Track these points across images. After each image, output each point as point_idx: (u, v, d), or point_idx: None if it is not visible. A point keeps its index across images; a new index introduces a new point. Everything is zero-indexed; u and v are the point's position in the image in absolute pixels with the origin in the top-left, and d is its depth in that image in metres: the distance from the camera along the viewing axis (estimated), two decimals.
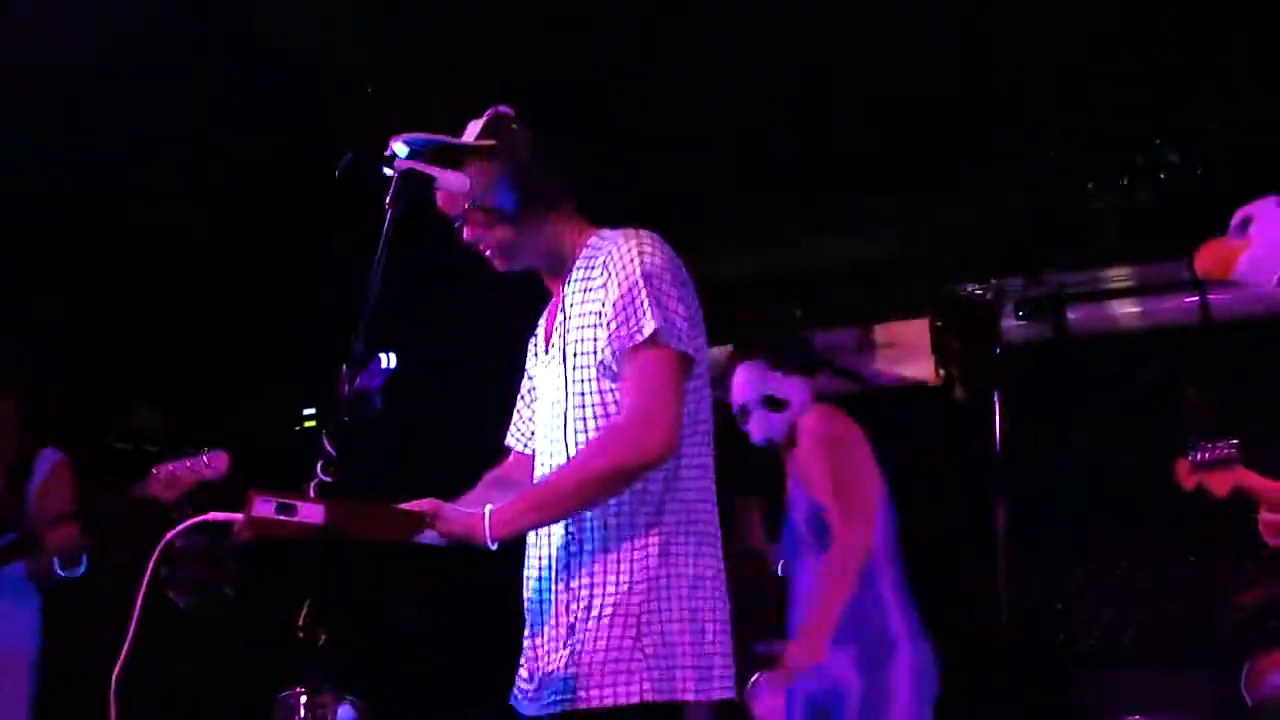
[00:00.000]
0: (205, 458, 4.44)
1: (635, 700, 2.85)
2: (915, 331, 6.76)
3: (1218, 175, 5.78)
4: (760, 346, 4.69)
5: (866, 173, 6.09)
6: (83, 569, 4.84)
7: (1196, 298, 6.04)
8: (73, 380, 6.33)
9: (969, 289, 6.69)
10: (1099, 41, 5.15)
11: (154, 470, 4.49)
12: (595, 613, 2.91)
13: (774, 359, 4.63)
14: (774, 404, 4.62)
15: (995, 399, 6.48)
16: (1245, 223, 4.04)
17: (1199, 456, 4.29)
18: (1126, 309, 6.46)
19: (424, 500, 2.89)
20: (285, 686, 4.21)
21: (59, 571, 4.84)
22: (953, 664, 4.55)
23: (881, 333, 6.92)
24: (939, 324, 6.71)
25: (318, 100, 4.95)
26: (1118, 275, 6.51)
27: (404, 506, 2.88)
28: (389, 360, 2.94)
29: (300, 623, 2.90)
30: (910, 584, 4.54)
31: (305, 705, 3.32)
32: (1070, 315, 6.49)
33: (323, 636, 2.89)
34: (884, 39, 5.08)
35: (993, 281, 6.64)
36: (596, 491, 2.89)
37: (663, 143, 5.58)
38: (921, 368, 6.71)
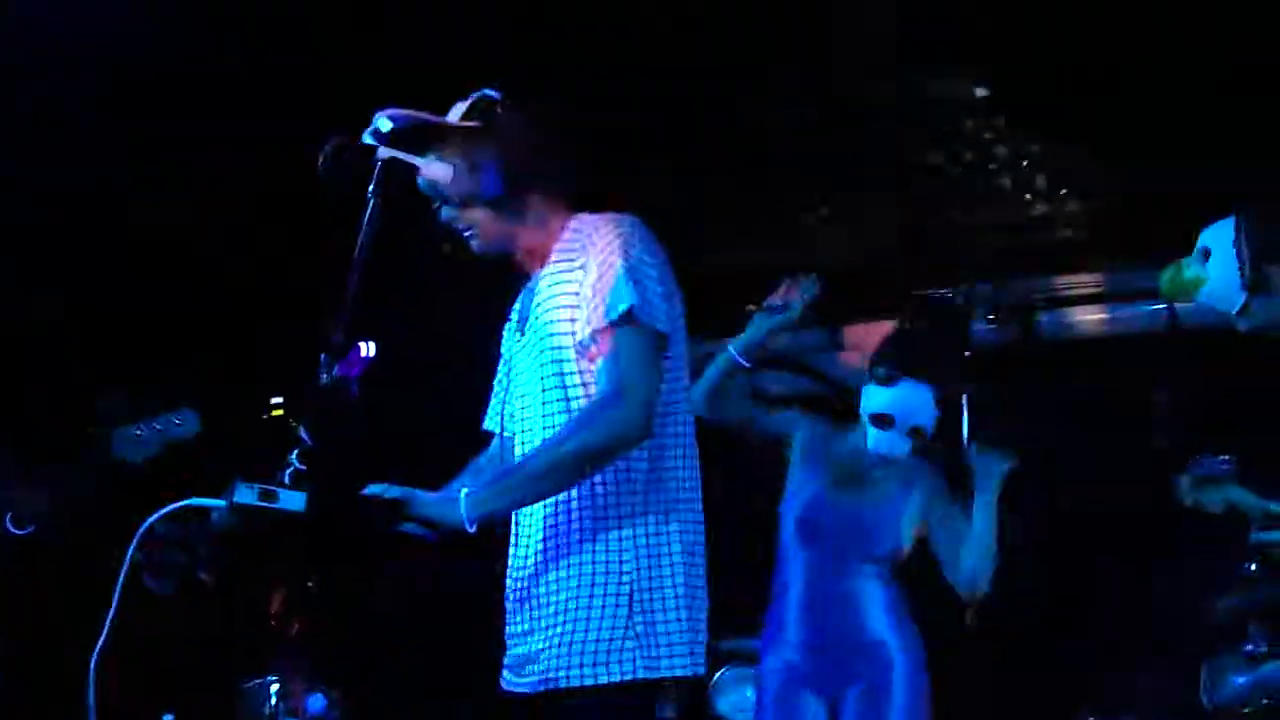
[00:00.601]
0: (175, 417, 4.36)
1: (623, 679, 2.85)
2: (884, 334, 6.78)
3: (1183, 183, 5.83)
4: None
5: (836, 174, 6.14)
6: (31, 528, 4.74)
7: (1165, 305, 6.09)
8: (73, 380, 6.30)
9: (939, 293, 6.73)
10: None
11: (121, 431, 4.39)
12: (583, 593, 2.90)
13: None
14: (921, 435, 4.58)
15: (964, 402, 6.51)
16: (1205, 254, 4.09)
17: (1196, 472, 4.33)
18: (1095, 315, 6.52)
19: (399, 488, 2.88)
20: (258, 674, 4.19)
21: (10, 528, 4.74)
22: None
23: (850, 334, 6.95)
24: (907, 327, 6.74)
25: (318, 100, 4.96)
26: (1087, 281, 6.57)
27: (381, 494, 2.88)
28: (368, 349, 2.94)
29: (273, 611, 2.90)
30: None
31: (277, 694, 3.31)
32: (1040, 320, 6.54)
33: (296, 625, 2.90)
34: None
35: (962, 286, 6.69)
36: (574, 471, 2.88)
37: (636, 138, 5.59)
38: None
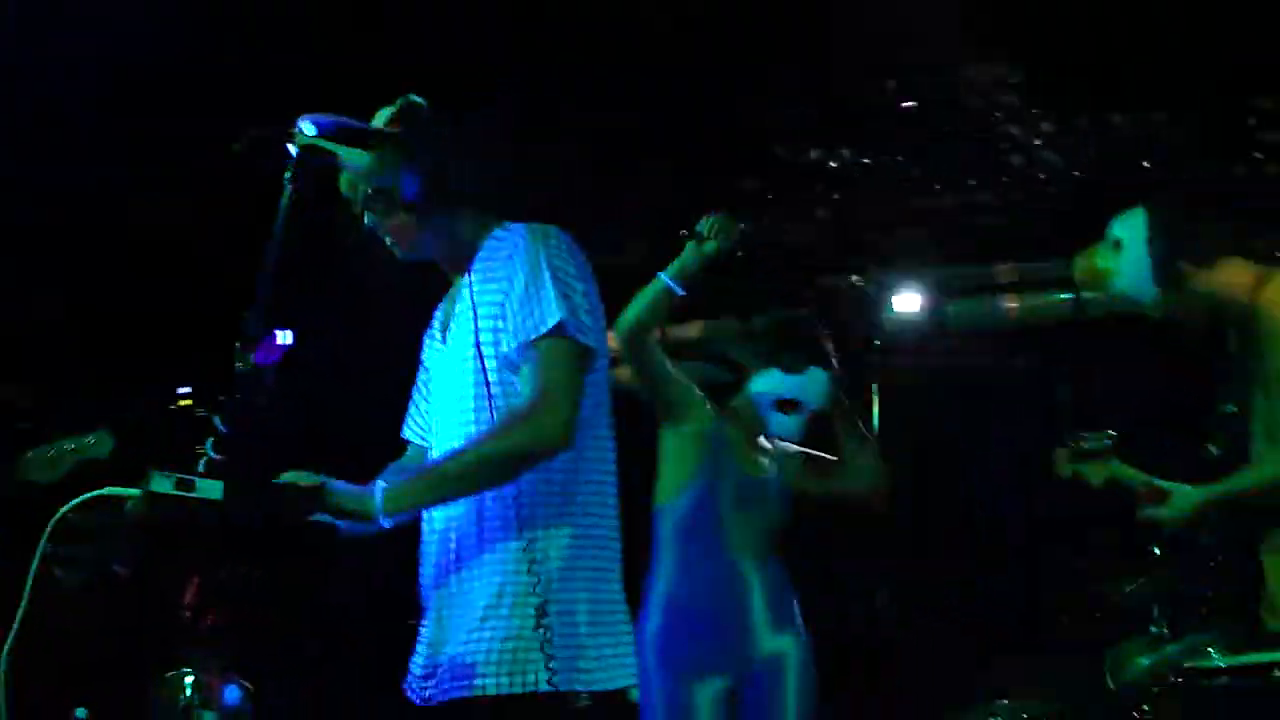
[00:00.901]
0: (90, 437, 4.32)
1: (535, 689, 2.83)
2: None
3: (1093, 175, 5.93)
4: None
5: (748, 161, 6.18)
6: None
7: (1072, 295, 6.18)
8: (73, 379, 6.21)
9: (848, 280, 6.79)
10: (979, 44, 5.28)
11: (30, 454, 4.35)
12: (497, 601, 2.89)
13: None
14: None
15: (872, 390, 6.58)
16: (1117, 245, 4.17)
17: (1076, 446, 4.39)
18: (1004, 304, 6.60)
19: (315, 477, 2.85)
20: (172, 667, 4.15)
21: None
22: (831, 653, 4.60)
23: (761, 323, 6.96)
24: (816, 314, 6.78)
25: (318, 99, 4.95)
26: (998, 271, 6.65)
27: (296, 484, 2.86)
28: (285, 337, 2.91)
29: (187, 602, 2.86)
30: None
31: (191, 686, 3.27)
32: (949, 309, 6.61)
33: (211, 617, 2.86)
34: None
35: (874, 274, 6.74)
36: (492, 474, 2.87)
37: (552, 132, 5.61)
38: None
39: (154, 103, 5.16)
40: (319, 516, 2.87)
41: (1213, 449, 4.28)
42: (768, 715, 4.42)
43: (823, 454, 4.70)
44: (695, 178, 6.01)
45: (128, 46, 4.81)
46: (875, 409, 6.50)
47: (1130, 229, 4.12)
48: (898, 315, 6.68)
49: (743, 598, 4.45)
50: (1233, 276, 4.06)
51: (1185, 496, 4.04)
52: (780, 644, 4.45)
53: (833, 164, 6.41)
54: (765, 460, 4.63)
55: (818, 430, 4.66)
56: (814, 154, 6.42)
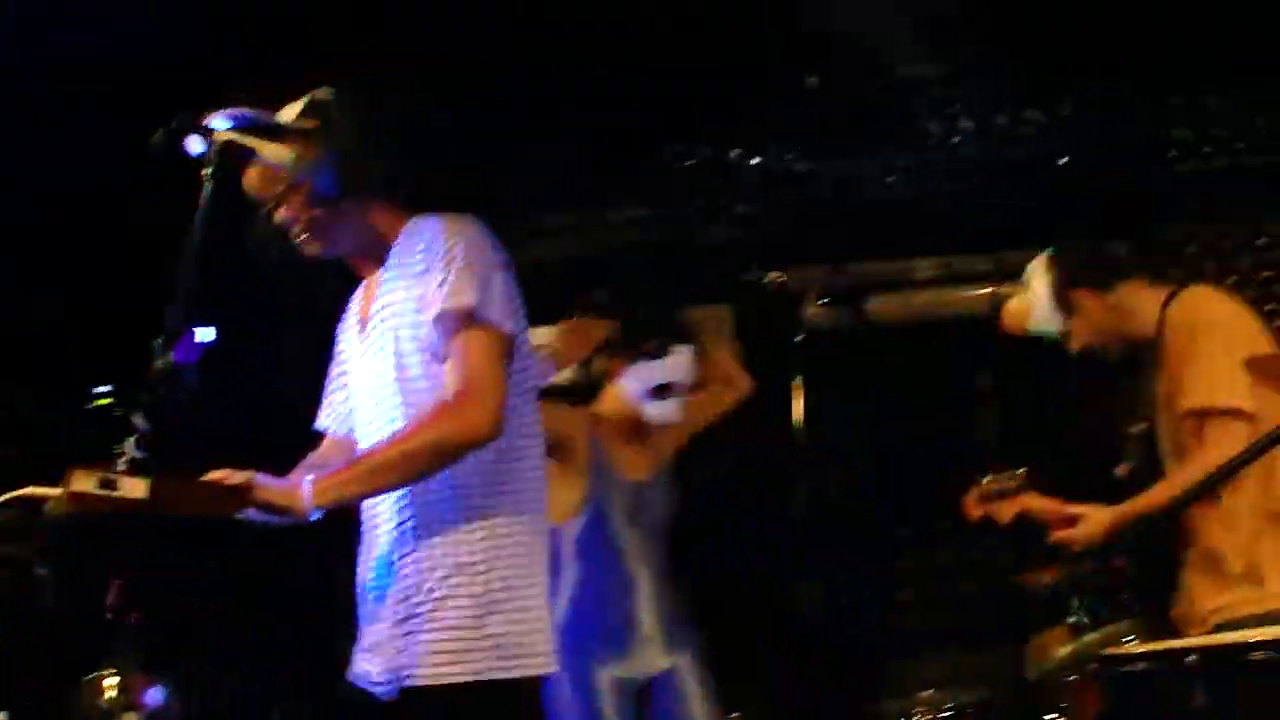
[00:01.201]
0: None
1: (476, 679, 2.86)
2: (716, 317, 6.84)
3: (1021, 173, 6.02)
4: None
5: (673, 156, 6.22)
6: None
7: (991, 289, 6.25)
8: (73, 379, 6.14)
9: (770, 276, 6.80)
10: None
11: None
12: (437, 593, 2.91)
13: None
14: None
15: (794, 386, 6.59)
16: (1025, 284, 4.36)
17: (984, 489, 4.49)
18: (926, 299, 6.67)
19: (240, 473, 2.85)
20: (94, 668, 4.10)
21: None
22: (754, 650, 4.63)
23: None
24: (738, 310, 6.82)
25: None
26: (919, 266, 6.72)
27: (221, 480, 2.84)
28: (206, 335, 2.90)
29: (110, 602, 2.84)
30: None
31: (113, 687, 3.24)
32: (871, 304, 6.66)
33: (134, 617, 2.84)
34: None
35: (794, 269, 6.77)
36: (420, 465, 2.89)
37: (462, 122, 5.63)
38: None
39: (154, 102, 5.18)
40: (247, 513, 2.87)
41: (1121, 470, 4.37)
42: None
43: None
44: (611, 175, 6.03)
45: (128, 46, 4.82)
46: (799, 405, 6.51)
47: (1033, 268, 4.29)
48: (818, 310, 6.71)
49: (640, 610, 4.48)
50: (1133, 299, 4.19)
51: (1095, 519, 4.14)
52: (676, 659, 4.48)
53: (754, 161, 6.45)
54: (646, 455, 4.64)
55: None
56: (734, 153, 6.47)
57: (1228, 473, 3.48)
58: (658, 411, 4.58)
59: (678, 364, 4.60)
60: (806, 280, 6.74)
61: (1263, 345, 4.04)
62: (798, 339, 6.68)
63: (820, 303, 6.66)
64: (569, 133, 5.96)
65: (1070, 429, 6.23)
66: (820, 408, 6.50)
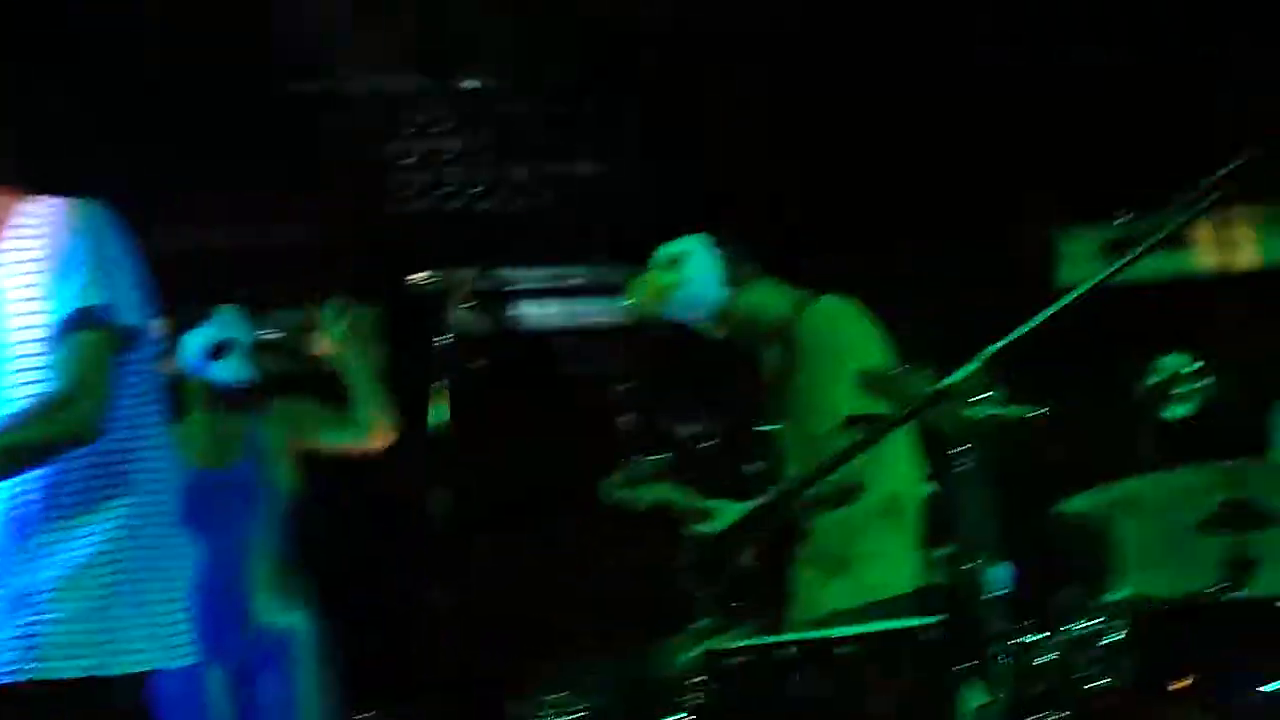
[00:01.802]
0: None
1: (91, 674, 2.82)
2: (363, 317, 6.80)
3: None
4: None
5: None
6: None
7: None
8: None
9: (417, 278, 6.80)
10: None
11: None
12: (53, 584, 2.85)
13: None
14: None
15: (439, 388, 6.59)
16: (673, 261, 4.36)
17: (627, 472, 4.57)
18: (566, 307, 6.77)
19: None
20: None
21: None
22: (390, 651, 4.60)
23: None
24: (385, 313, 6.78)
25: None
26: (561, 274, 6.82)
27: None
28: None
29: None
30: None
31: None
32: (513, 311, 6.72)
33: None
34: None
35: (444, 271, 6.79)
36: (14, 464, 2.84)
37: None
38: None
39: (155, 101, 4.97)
40: None
41: (755, 466, 4.51)
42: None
43: (328, 405, 4.71)
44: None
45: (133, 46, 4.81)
46: (443, 407, 6.52)
47: (689, 245, 4.33)
48: (465, 314, 6.74)
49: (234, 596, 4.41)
50: (765, 298, 4.32)
51: (727, 513, 4.27)
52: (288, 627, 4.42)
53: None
54: (231, 442, 4.56)
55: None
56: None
57: (833, 468, 3.62)
58: (221, 372, 4.49)
59: (224, 321, 4.50)
60: (454, 283, 6.77)
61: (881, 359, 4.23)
62: (442, 341, 6.70)
63: (467, 306, 6.69)
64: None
65: (711, 429, 6.39)
66: (463, 410, 6.54)
